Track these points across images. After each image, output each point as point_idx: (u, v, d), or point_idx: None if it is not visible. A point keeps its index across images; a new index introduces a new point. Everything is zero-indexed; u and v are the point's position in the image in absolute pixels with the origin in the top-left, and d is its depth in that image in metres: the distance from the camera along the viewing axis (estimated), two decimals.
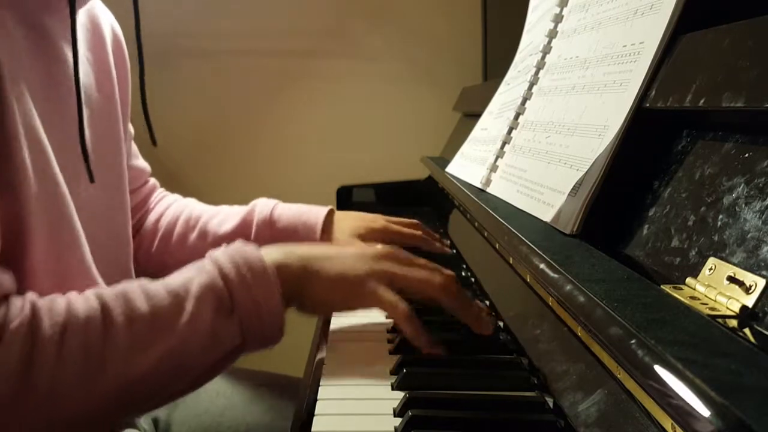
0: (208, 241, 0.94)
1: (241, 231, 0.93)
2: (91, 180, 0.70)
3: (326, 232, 0.93)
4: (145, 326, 0.56)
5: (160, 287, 0.59)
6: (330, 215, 0.95)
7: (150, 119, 0.85)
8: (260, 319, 0.60)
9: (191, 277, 0.60)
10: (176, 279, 0.60)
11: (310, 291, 0.64)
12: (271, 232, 0.93)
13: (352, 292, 0.65)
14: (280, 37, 1.83)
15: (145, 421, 0.82)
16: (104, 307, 0.56)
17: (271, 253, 0.64)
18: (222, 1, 1.81)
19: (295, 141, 1.85)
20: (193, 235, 0.95)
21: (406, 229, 0.96)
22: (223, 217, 0.96)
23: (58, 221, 0.62)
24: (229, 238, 0.92)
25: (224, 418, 0.86)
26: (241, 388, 0.92)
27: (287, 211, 0.95)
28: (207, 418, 0.85)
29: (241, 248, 0.63)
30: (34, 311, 0.54)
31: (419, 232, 0.96)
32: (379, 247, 0.70)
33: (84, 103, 0.70)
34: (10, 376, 0.51)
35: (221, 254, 0.62)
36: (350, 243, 0.91)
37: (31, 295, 0.56)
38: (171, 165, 1.84)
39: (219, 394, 0.89)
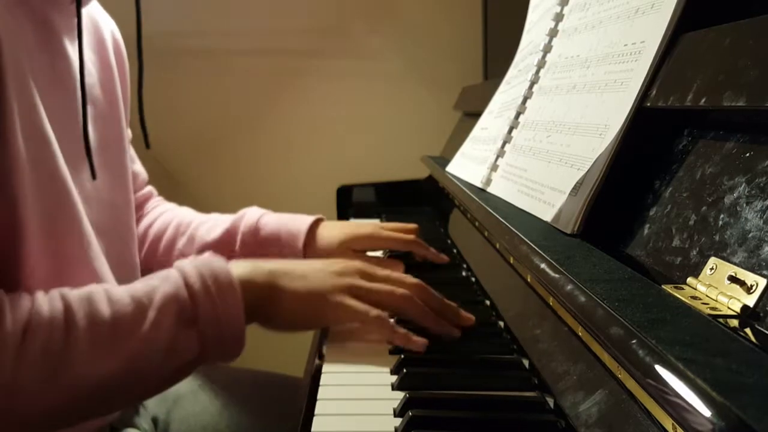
0: (195, 246, 0.93)
1: (228, 238, 0.93)
2: (93, 177, 0.71)
3: (311, 241, 0.91)
4: (107, 331, 0.57)
5: (125, 293, 0.59)
6: (316, 224, 0.93)
7: (145, 122, 0.85)
8: (221, 332, 0.60)
9: (156, 285, 0.61)
10: (141, 286, 0.61)
11: (276, 307, 0.65)
12: (255, 239, 0.92)
13: (319, 308, 0.65)
14: (280, 37, 1.83)
15: (144, 420, 0.82)
16: (67, 309, 0.57)
17: (238, 268, 0.64)
18: (221, 1, 1.80)
19: (295, 141, 1.85)
20: (182, 241, 0.94)
21: (396, 234, 0.92)
22: (212, 224, 0.95)
23: (55, 210, 0.63)
24: (215, 244, 0.92)
25: (223, 417, 0.86)
26: (240, 388, 0.92)
27: (273, 220, 0.94)
28: (206, 417, 0.85)
29: (208, 261, 0.63)
30: None
31: (411, 237, 0.92)
32: (343, 262, 0.70)
33: (88, 101, 0.71)
34: None
35: (188, 265, 0.63)
36: (335, 255, 0.88)
37: None
38: (170, 164, 1.84)
39: (218, 394, 0.89)
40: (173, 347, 0.59)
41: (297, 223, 0.92)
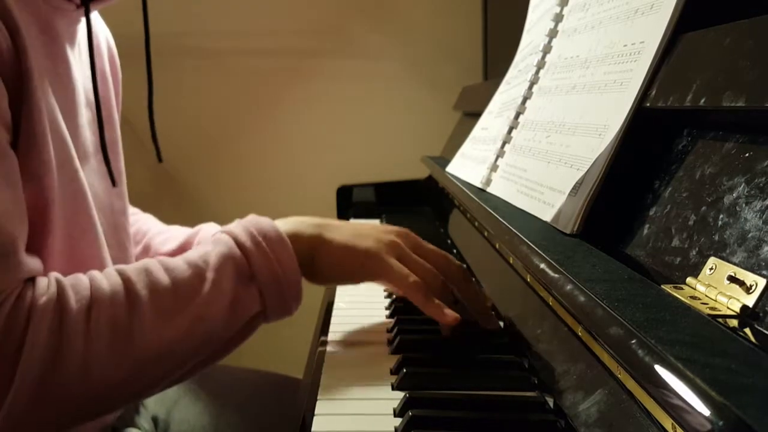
0: (149, 257, 0.93)
1: (180, 252, 0.92)
2: (114, 184, 0.72)
3: None
4: (169, 298, 0.58)
5: (179, 261, 0.61)
6: None
7: (157, 136, 0.84)
8: (279, 285, 0.62)
9: (208, 249, 0.62)
10: (193, 252, 0.62)
11: (322, 259, 0.66)
12: None
13: (363, 261, 0.66)
14: (280, 37, 1.83)
15: (145, 420, 0.82)
16: (127, 282, 0.58)
17: (285, 224, 0.66)
18: (221, 1, 1.80)
19: (295, 141, 1.85)
20: (137, 249, 0.94)
21: None
22: (168, 236, 0.95)
23: (75, 212, 0.64)
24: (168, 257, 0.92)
25: (223, 417, 0.86)
26: (240, 388, 0.92)
27: None
28: (206, 417, 0.85)
29: (254, 219, 0.65)
30: (60, 289, 0.55)
31: None
32: (391, 227, 0.71)
33: (86, 106, 0.71)
34: (42, 352, 0.53)
35: (235, 226, 0.64)
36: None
37: (55, 274, 0.57)
38: (168, 164, 1.84)
39: (219, 394, 0.89)
40: (235, 305, 0.60)
41: None
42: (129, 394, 0.59)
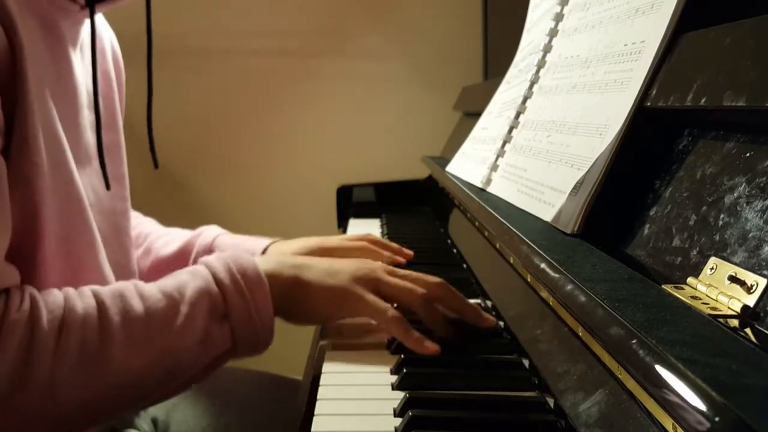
0: (150, 259, 0.93)
1: (183, 254, 0.92)
2: (108, 187, 0.72)
3: None
4: (141, 326, 0.57)
5: (155, 289, 0.60)
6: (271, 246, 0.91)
7: (154, 142, 0.84)
8: (252, 325, 0.61)
9: (186, 280, 0.61)
10: (170, 282, 0.62)
11: (300, 300, 0.65)
12: None
13: (340, 302, 0.66)
14: (280, 37, 1.83)
15: (144, 421, 0.82)
16: (101, 306, 0.57)
17: (264, 262, 0.65)
18: (221, 1, 1.80)
19: (295, 141, 1.85)
20: (138, 252, 0.94)
21: (361, 244, 0.90)
22: (169, 239, 0.95)
23: (70, 215, 0.64)
24: (169, 259, 0.92)
25: (223, 418, 0.86)
26: (240, 389, 0.92)
27: (229, 240, 0.92)
28: (206, 419, 0.85)
29: (235, 255, 0.64)
30: (33, 305, 0.55)
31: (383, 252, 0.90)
32: (365, 260, 0.71)
33: (89, 107, 0.71)
34: (8, 367, 0.52)
35: (215, 260, 0.63)
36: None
37: (30, 289, 0.57)
38: (168, 164, 1.84)
39: (218, 395, 0.89)
40: (206, 341, 0.59)
41: (252, 244, 0.91)
42: (93, 417, 0.58)
